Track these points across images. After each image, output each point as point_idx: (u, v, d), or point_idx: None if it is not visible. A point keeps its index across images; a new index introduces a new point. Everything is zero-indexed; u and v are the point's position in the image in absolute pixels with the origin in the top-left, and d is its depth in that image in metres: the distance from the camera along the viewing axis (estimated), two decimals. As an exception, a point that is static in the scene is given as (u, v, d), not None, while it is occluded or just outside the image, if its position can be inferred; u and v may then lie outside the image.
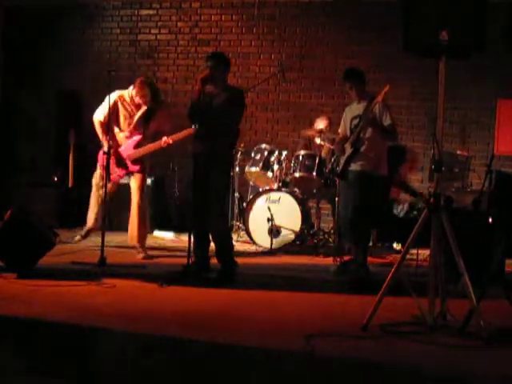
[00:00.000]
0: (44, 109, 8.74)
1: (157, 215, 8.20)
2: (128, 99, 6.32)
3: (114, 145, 6.24)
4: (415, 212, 7.41)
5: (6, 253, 5.11)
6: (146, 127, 6.35)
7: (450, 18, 3.83)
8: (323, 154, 7.21)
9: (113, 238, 7.01)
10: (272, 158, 7.28)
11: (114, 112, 6.21)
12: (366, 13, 8.44)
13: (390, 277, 3.87)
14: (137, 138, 6.31)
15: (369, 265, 5.87)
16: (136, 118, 6.33)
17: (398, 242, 7.30)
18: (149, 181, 8.10)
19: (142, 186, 6.40)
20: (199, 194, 5.32)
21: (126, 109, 6.34)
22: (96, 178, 6.54)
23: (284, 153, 7.34)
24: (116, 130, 6.37)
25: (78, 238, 6.74)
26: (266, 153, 7.32)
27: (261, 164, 7.29)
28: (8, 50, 9.53)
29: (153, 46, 9.36)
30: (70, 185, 8.47)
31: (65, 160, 8.51)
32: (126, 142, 6.36)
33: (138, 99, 6.28)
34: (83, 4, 9.44)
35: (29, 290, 4.63)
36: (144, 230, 6.41)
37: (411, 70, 7.95)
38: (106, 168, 5.87)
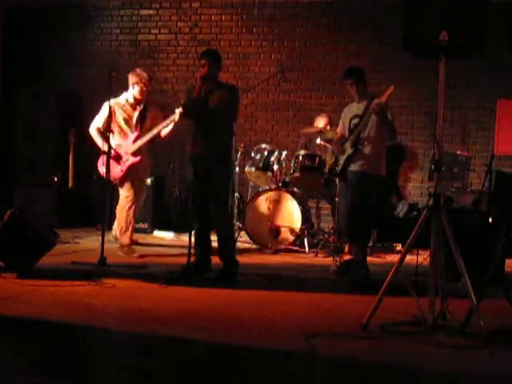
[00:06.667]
0: (44, 109, 8.74)
1: (157, 215, 8.20)
2: (123, 103, 6.39)
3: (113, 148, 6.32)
4: (415, 212, 7.41)
5: (5, 253, 5.11)
6: (142, 125, 6.40)
7: (450, 18, 3.83)
8: (323, 154, 7.21)
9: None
10: (272, 158, 7.28)
11: (112, 119, 6.23)
12: (366, 13, 8.45)
13: (389, 277, 3.88)
14: (135, 134, 6.34)
15: (369, 265, 5.86)
16: (134, 118, 6.39)
17: (398, 242, 7.30)
18: (148, 181, 8.12)
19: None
20: (200, 194, 5.32)
21: (125, 112, 6.40)
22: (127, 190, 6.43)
23: (284, 153, 7.34)
24: (110, 137, 6.33)
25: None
26: (265, 153, 7.32)
27: (261, 164, 7.29)
28: (8, 50, 9.53)
29: (153, 46, 9.36)
30: (70, 185, 8.47)
31: (65, 160, 8.52)
32: (125, 142, 6.38)
33: (138, 91, 6.31)
34: (83, 4, 9.44)
35: (29, 289, 4.63)
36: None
37: (411, 70, 7.95)
38: (106, 167, 5.92)
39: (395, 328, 3.86)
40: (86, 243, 6.92)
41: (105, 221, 6.10)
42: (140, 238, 7.45)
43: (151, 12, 9.36)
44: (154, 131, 6.28)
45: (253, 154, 7.43)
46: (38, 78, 9.24)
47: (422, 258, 5.28)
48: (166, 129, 6.21)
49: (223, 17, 9.12)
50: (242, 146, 7.74)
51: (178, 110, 5.89)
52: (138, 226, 7.88)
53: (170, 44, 9.31)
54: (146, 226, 8.05)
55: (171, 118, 6.08)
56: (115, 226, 6.64)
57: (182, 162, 5.63)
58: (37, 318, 3.88)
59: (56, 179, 8.51)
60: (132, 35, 9.42)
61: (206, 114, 5.23)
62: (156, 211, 8.21)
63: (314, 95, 8.77)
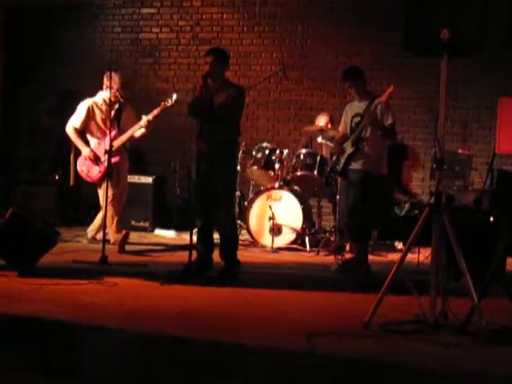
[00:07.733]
0: (45, 107, 8.74)
1: (158, 214, 8.20)
2: (101, 103, 6.47)
3: (89, 148, 6.55)
4: (416, 211, 7.40)
5: (7, 251, 5.11)
6: (119, 125, 6.51)
7: (452, 16, 3.83)
8: (324, 153, 7.21)
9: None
10: (273, 157, 7.26)
11: (90, 118, 6.48)
12: (367, 11, 8.42)
13: (391, 275, 3.88)
14: (113, 134, 6.29)
15: (370, 263, 5.87)
16: (111, 117, 6.39)
17: (399, 241, 7.29)
18: (150, 179, 8.13)
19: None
20: (204, 193, 5.32)
21: (102, 111, 6.49)
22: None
23: (285, 151, 7.33)
24: (88, 136, 6.60)
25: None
26: (267, 151, 7.31)
27: (262, 162, 7.28)
28: (9, 48, 9.52)
29: (154, 44, 9.34)
30: (71, 183, 8.47)
31: (66, 158, 8.51)
32: (103, 141, 6.47)
33: (111, 94, 6.22)
34: (85, 3, 9.42)
35: (30, 288, 4.63)
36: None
37: (413, 68, 7.94)
38: (108, 165, 5.98)
39: (397, 327, 3.87)
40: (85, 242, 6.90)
41: (105, 219, 6.11)
42: (141, 236, 7.47)
43: (152, 11, 9.35)
44: (129, 133, 6.45)
45: (254, 153, 7.41)
46: (39, 77, 9.23)
47: (423, 256, 5.29)
48: (140, 131, 6.45)
49: (224, 15, 9.10)
50: (243, 144, 7.70)
51: (146, 118, 6.31)
52: (139, 224, 7.93)
53: (171, 43, 9.29)
54: (147, 224, 8.04)
55: (140, 123, 6.37)
56: (90, 228, 6.78)
57: (184, 160, 5.63)
58: (38, 317, 3.89)
59: (57, 177, 8.50)
60: (133, 34, 9.40)
61: (210, 112, 5.22)
62: (157, 210, 8.20)
63: (316, 94, 8.75)
